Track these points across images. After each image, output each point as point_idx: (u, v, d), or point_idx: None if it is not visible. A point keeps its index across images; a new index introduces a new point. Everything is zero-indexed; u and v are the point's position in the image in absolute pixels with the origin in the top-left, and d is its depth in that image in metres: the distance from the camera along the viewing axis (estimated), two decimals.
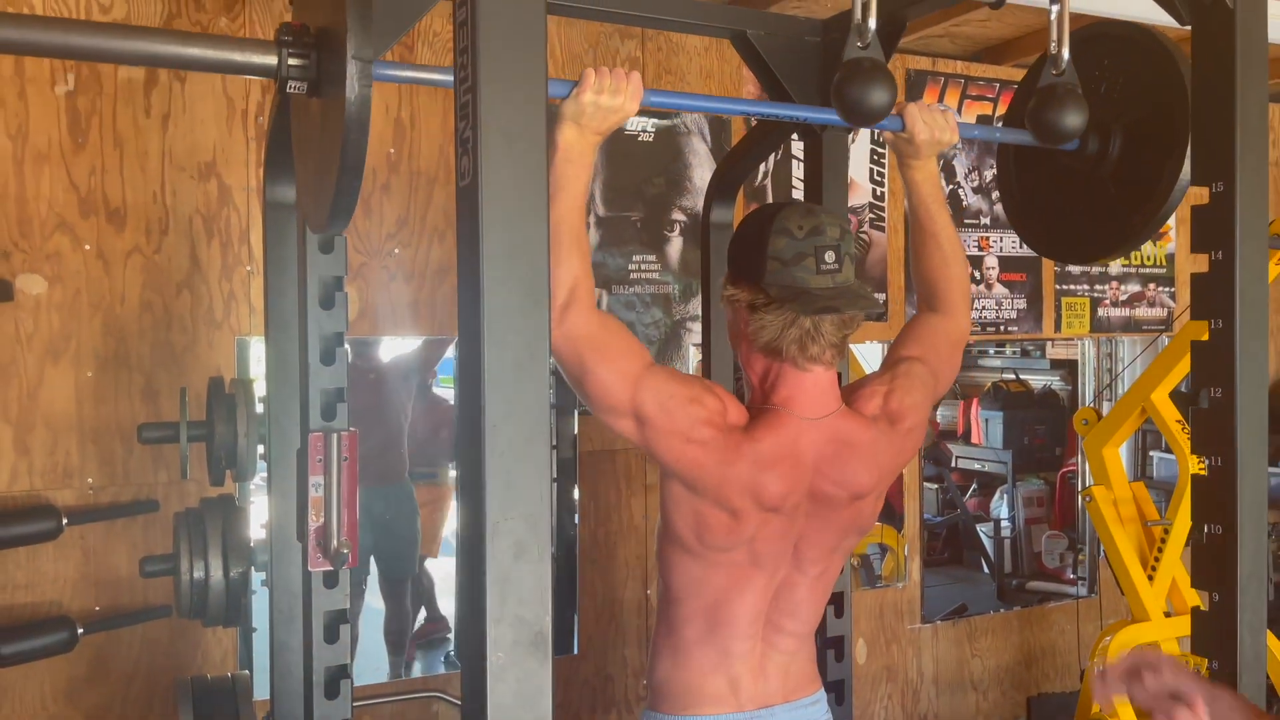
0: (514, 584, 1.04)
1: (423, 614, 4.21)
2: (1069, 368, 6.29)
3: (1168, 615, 3.21)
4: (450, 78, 1.10)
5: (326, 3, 1.18)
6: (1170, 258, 4.35)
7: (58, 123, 2.69)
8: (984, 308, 3.97)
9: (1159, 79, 1.72)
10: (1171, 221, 4.20)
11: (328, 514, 1.89)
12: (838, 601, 2.23)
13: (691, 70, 3.46)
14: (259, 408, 2.30)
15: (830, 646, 2.23)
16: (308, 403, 1.89)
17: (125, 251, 2.76)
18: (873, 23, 1.50)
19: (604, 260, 3.34)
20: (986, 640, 4.10)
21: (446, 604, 4.21)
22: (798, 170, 3.58)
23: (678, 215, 3.45)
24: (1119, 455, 3.36)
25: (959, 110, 3.91)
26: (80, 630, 2.63)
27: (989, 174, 3.99)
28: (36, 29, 1.25)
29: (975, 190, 3.97)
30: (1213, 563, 1.53)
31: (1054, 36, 1.58)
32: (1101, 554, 3.75)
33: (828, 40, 2.09)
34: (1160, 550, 3.19)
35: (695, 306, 3.37)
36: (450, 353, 4.14)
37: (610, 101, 1.49)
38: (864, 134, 3.76)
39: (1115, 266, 4.27)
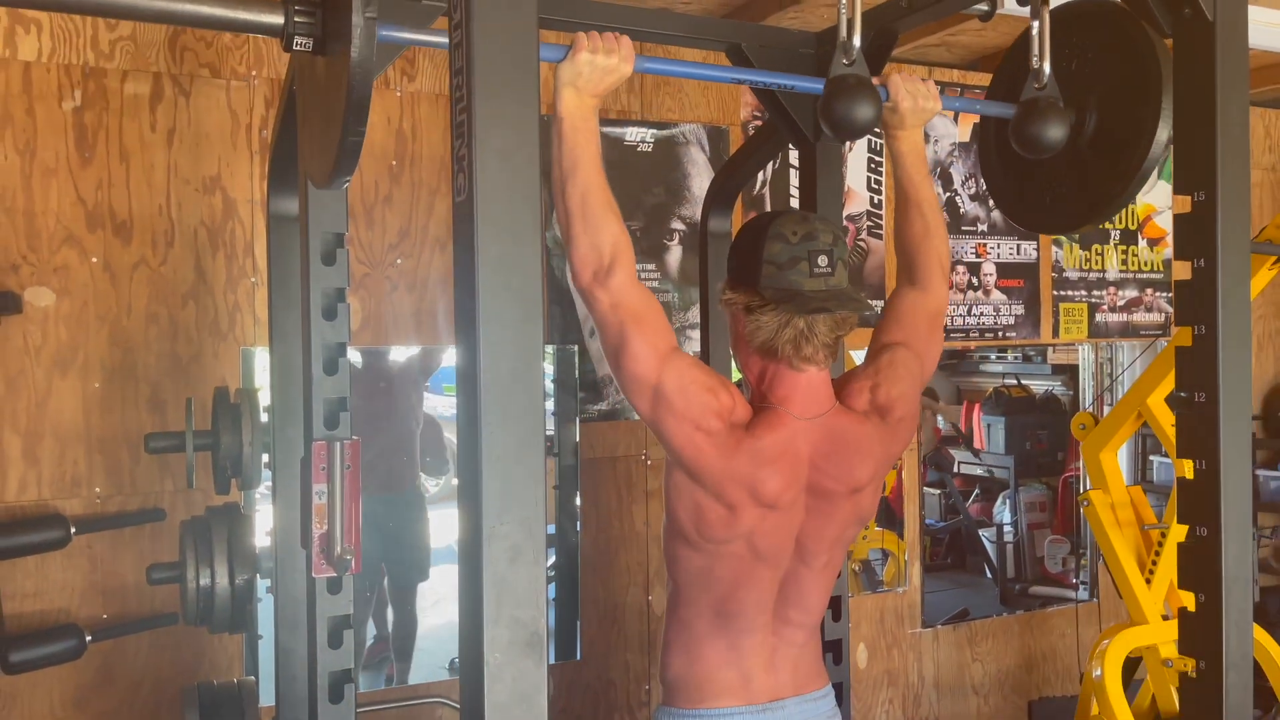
0: (510, 586, 1.07)
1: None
2: (1070, 373, 6.31)
3: (1166, 619, 3.23)
4: (444, 38, 1.12)
5: None
6: (1168, 263, 4.38)
7: (65, 138, 2.74)
8: (982, 313, 4.00)
9: (1126, 46, 1.75)
10: (1169, 227, 4.23)
11: (331, 521, 1.92)
12: (836, 605, 2.26)
13: (690, 81, 3.49)
14: (264, 417, 2.34)
15: (829, 649, 2.26)
16: (311, 412, 1.92)
17: (132, 264, 2.80)
18: (857, 40, 1.54)
19: None
20: (987, 644, 4.12)
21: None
22: (795, 179, 3.61)
23: (677, 224, 3.48)
24: (1116, 459, 3.38)
25: (955, 119, 3.95)
26: (88, 638, 2.66)
27: None
28: None
29: (972, 198, 4.00)
30: (1198, 564, 1.56)
31: (1035, 51, 1.62)
32: (1101, 558, 3.77)
33: (821, 53, 2.12)
34: (1158, 554, 3.21)
35: (695, 315, 3.40)
36: (447, 361, 4.18)
37: (606, 61, 1.50)
38: (861, 143, 3.79)
39: (1113, 272, 4.30)
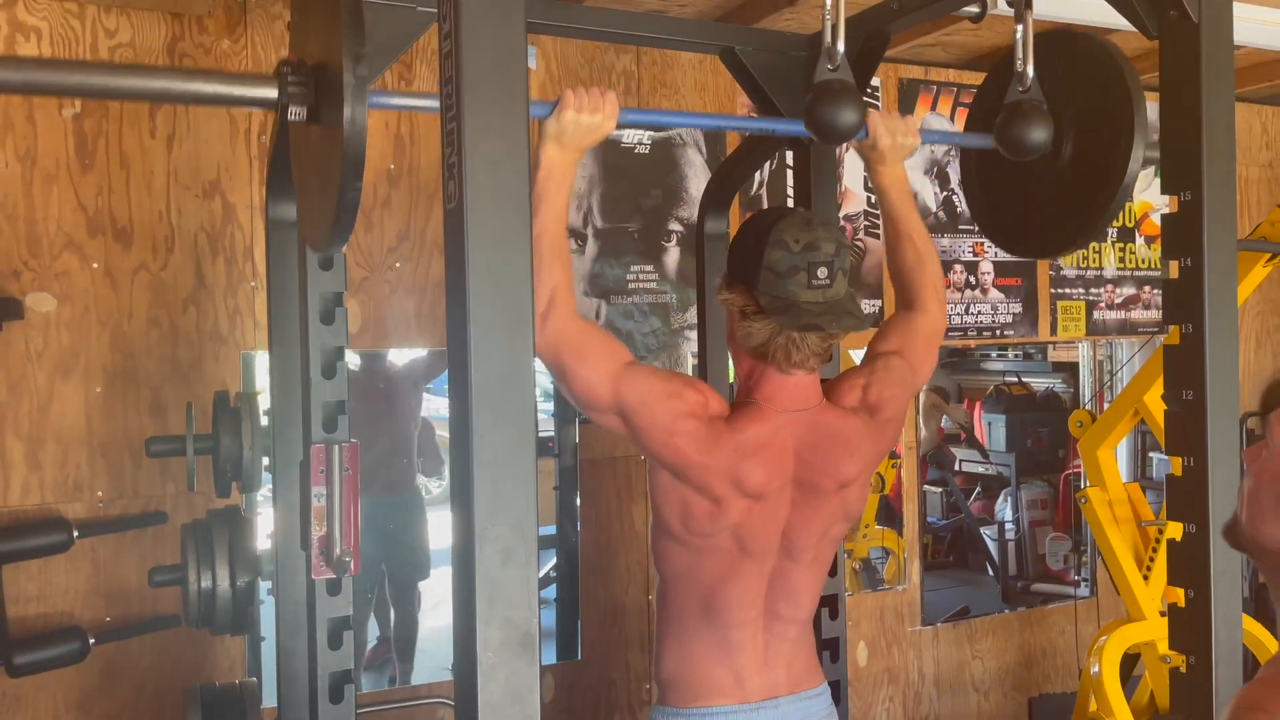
0: (502, 588, 1.09)
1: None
2: (1071, 370, 6.31)
3: (1164, 615, 3.24)
4: (435, 103, 1.15)
5: (322, 35, 1.24)
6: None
7: (65, 144, 2.76)
8: (980, 312, 4.02)
9: (1099, 74, 1.78)
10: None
11: (330, 523, 1.94)
12: (832, 604, 2.27)
13: (686, 84, 3.51)
14: (263, 420, 2.36)
15: (826, 647, 2.27)
16: (309, 415, 1.94)
17: (132, 269, 2.82)
18: (841, 45, 1.55)
19: (602, 271, 3.39)
20: (987, 642, 4.13)
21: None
22: (792, 180, 3.63)
23: (674, 226, 3.50)
24: (1114, 456, 3.39)
25: (951, 117, 3.96)
26: (91, 640, 2.68)
27: None
28: (51, 71, 1.32)
29: None
30: (1187, 560, 1.58)
31: (1019, 55, 1.63)
32: (1100, 555, 3.79)
33: (813, 55, 2.13)
34: (1155, 550, 3.23)
35: (693, 315, 3.42)
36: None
37: (590, 119, 1.57)
38: None
39: (1110, 270, 4.31)
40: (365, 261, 3.08)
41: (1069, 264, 4.20)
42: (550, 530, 3.63)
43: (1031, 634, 4.25)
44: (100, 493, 2.80)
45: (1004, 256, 4.06)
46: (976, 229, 4.00)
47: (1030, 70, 1.63)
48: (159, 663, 2.86)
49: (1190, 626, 1.58)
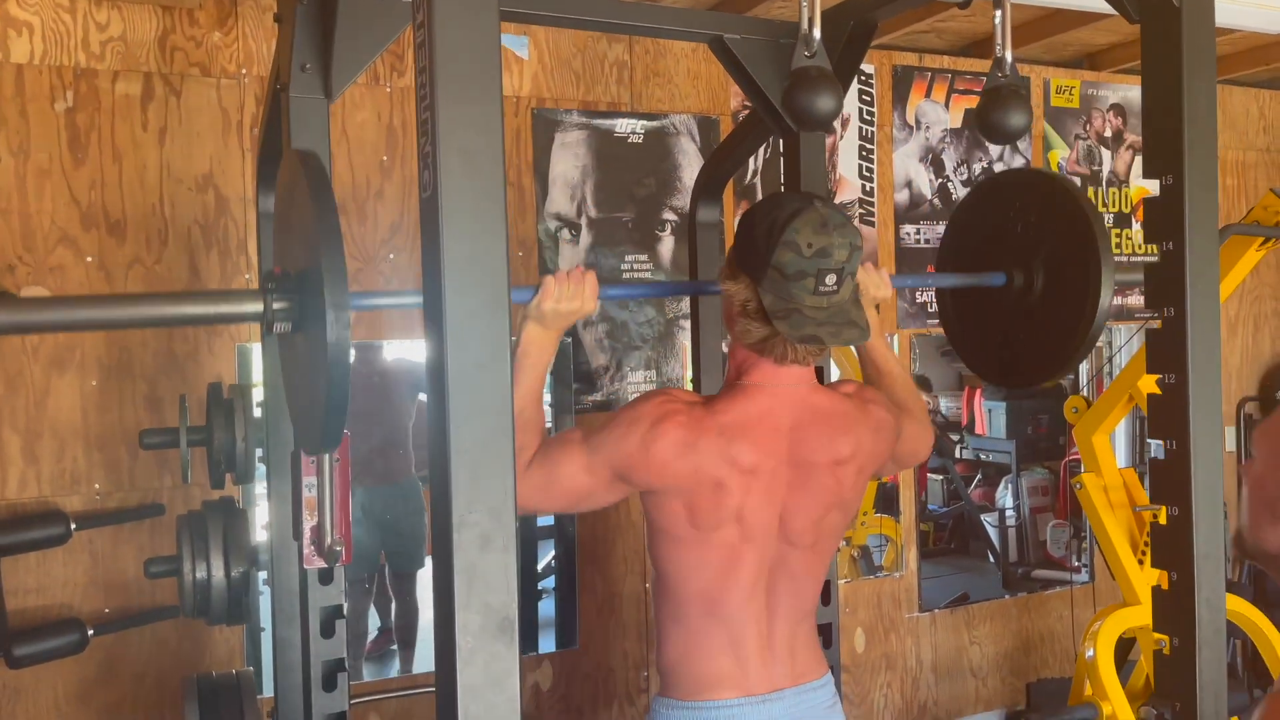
0: (480, 573, 1.10)
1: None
2: None
3: None
4: (418, 300, 1.17)
5: (303, 249, 1.26)
6: None
7: (58, 139, 2.77)
8: None
9: (1066, 217, 1.83)
10: None
11: (321, 513, 1.95)
12: (825, 590, 2.28)
13: (679, 72, 3.51)
14: (256, 412, 2.37)
15: (818, 634, 2.28)
16: None
17: (126, 262, 2.83)
18: (817, 33, 1.56)
19: (596, 261, 3.39)
20: (985, 627, 4.14)
21: None
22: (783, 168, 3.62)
23: (668, 215, 3.50)
24: (1108, 442, 3.39)
25: (946, 104, 3.96)
26: (90, 632, 2.70)
27: (978, 167, 4.03)
28: (52, 310, 1.37)
29: (965, 183, 4.01)
30: (1170, 543, 1.58)
31: (998, 40, 1.64)
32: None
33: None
34: (1150, 535, 3.23)
35: (688, 304, 3.42)
36: None
37: (568, 306, 1.62)
38: (853, 132, 3.81)
39: None
40: (359, 253, 3.09)
41: None
42: (548, 521, 3.64)
43: (1030, 619, 4.26)
44: (97, 486, 2.81)
45: None
46: None
47: (1009, 55, 1.63)
48: (158, 654, 2.88)
49: (1173, 609, 1.59)
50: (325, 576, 2.01)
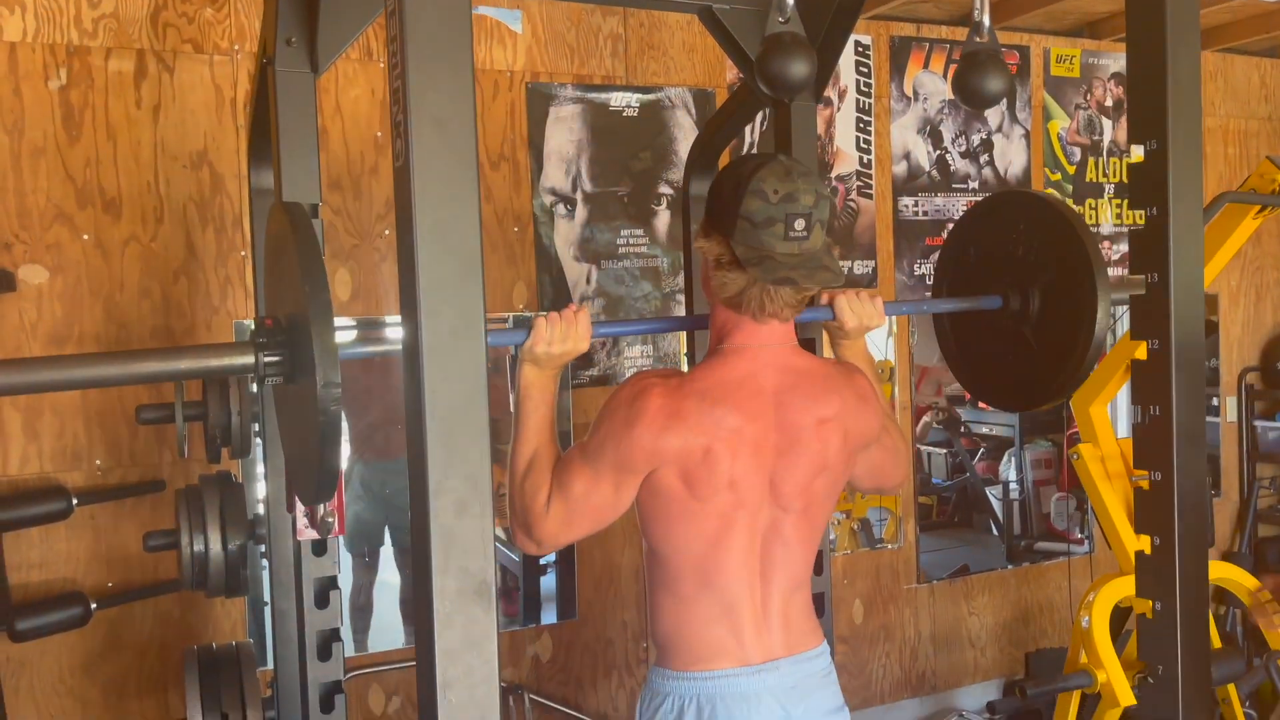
0: (458, 538, 1.12)
1: None
2: None
3: None
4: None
5: (292, 300, 1.28)
6: None
7: (52, 117, 2.77)
8: None
9: (1063, 243, 1.83)
10: None
11: None
12: (817, 560, 2.29)
13: (674, 44, 3.50)
14: (253, 387, 2.38)
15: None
16: None
17: (123, 240, 2.85)
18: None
19: (592, 235, 3.40)
20: (984, 598, 4.16)
21: None
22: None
23: (664, 189, 3.50)
24: (1105, 412, 3.39)
25: (944, 75, 3.94)
26: (93, 605, 2.74)
27: (976, 138, 4.02)
28: (42, 370, 1.38)
29: (963, 155, 4.00)
30: (1152, 508, 1.59)
31: (977, 4, 1.63)
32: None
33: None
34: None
35: (683, 280, 3.42)
36: None
37: (561, 348, 1.65)
38: (850, 104, 3.79)
39: (1107, 226, 4.29)
40: (354, 229, 3.09)
41: None
42: None
43: (1029, 590, 4.28)
44: (99, 461, 2.84)
45: None
46: (970, 187, 3.99)
47: (986, 20, 1.63)
48: (161, 627, 2.91)
49: (1156, 573, 1.60)
50: (319, 548, 2.04)
